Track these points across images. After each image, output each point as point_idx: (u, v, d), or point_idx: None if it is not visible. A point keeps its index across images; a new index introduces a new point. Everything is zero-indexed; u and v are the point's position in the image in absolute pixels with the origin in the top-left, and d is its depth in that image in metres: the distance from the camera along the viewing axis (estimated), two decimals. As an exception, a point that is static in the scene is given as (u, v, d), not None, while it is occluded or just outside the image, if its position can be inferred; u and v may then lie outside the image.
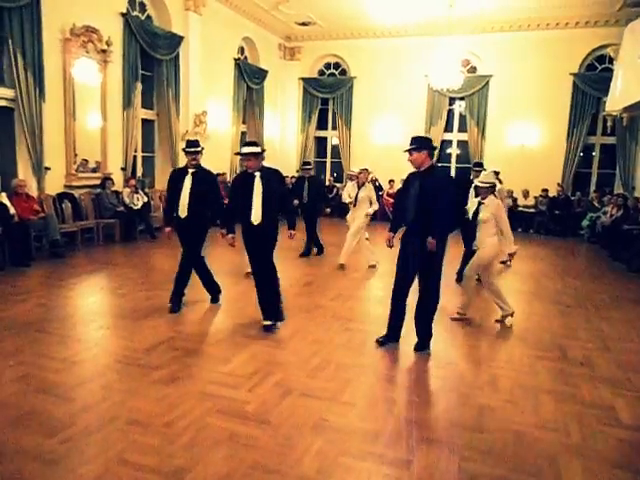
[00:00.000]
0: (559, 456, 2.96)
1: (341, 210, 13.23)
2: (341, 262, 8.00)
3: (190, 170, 5.62)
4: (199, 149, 5.66)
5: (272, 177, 4.98)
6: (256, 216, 4.83)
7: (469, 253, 6.33)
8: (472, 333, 5.19)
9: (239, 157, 4.78)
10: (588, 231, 12.21)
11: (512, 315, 5.53)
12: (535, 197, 13.39)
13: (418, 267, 4.52)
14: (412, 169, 4.63)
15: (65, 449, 2.81)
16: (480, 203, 5.53)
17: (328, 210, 14.73)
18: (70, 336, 4.60)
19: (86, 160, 9.38)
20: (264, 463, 2.78)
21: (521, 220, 13.24)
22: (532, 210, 13.24)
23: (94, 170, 9.51)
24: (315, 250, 9.09)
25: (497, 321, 5.57)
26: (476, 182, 5.98)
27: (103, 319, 5.18)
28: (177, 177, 5.68)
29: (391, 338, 4.73)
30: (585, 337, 5.16)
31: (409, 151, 4.50)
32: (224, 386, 3.69)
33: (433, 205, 4.34)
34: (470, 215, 5.62)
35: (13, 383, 3.59)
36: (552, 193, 13.25)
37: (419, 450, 2.97)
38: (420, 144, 4.47)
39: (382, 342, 4.72)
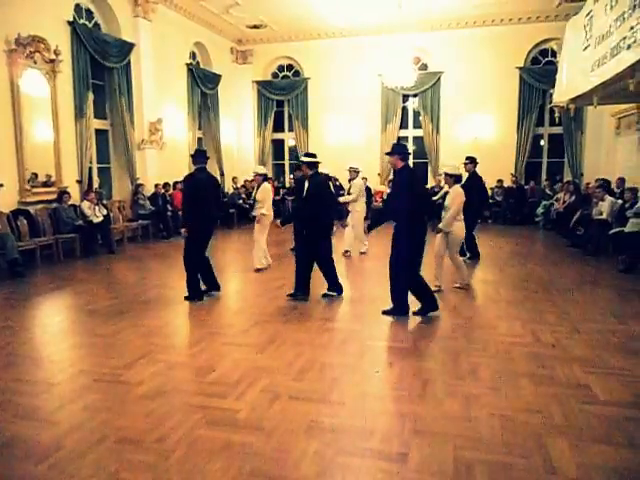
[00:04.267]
0: (545, 437, 3.08)
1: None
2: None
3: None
4: (315, 160, 6.39)
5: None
6: None
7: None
8: (446, 326, 5.31)
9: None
10: (543, 218, 12.70)
11: (467, 287, 6.74)
12: (491, 188, 13.79)
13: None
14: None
15: (56, 474, 2.72)
16: (447, 192, 6.62)
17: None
18: (43, 358, 4.45)
19: (35, 174, 9.01)
20: (264, 470, 2.77)
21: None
22: (490, 201, 13.63)
23: (46, 184, 9.16)
24: None
25: (455, 287, 6.73)
26: (443, 171, 6.97)
27: (75, 338, 5.02)
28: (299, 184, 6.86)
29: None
30: (553, 320, 5.38)
31: (388, 154, 5.57)
32: (211, 396, 3.65)
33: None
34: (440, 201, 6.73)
35: (-11, 411, 3.44)
36: (507, 183, 13.71)
37: (413, 443, 3.03)
38: (392, 149, 5.51)
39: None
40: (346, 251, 9.30)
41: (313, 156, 6.44)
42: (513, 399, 3.58)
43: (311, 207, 6.15)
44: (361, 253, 9.36)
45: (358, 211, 9.20)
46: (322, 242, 6.27)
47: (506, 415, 3.34)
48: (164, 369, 4.15)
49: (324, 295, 6.39)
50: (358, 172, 9.39)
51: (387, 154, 5.58)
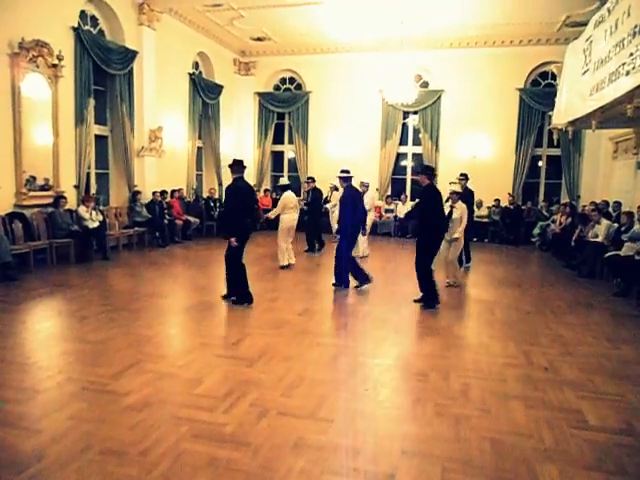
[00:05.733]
0: (535, 462, 3.04)
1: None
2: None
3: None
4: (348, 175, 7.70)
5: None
6: None
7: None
8: (439, 344, 5.28)
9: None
10: (539, 239, 12.73)
11: (459, 286, 7.93)
12: (488, 207, 13.84)
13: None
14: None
15: (36, 485, 2.68)
16: (452, 207, 7.75)
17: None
18: (31, 364, 4.39)
19: (33, 177, 8.98)
20: (248, 487, 2.73)
21: (476, 230, 13.62)
22: (486, 220, 13.68)
23: (43, 188, 9.13)
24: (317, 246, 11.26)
25: (448, 285, 7.78)
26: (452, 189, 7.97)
27: (65, 344, 4.96)
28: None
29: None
30: (546, 342, 5.35)
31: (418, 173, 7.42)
32: (199, 409, 3.60)
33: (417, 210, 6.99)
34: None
35: (-28, 417, 3.39)
36: (504, 203, 13.74)
37: (401, 464, 2.99)
38: (420, 170, 7.17)
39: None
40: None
41: (347, 172, 7.67)
42: (504, 422, 3.55)
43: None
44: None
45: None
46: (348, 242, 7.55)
47: (496, 438, 3.31)
48: (153, 379, 4.10)
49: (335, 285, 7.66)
50: (368, 186, 10.50)
51: (416, 173, 6.82)
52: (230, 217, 6.59)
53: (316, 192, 11.46)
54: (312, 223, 11.26)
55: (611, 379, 4.38)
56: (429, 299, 6.67)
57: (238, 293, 6.56)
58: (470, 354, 5.00)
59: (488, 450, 3.15)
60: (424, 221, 6.67)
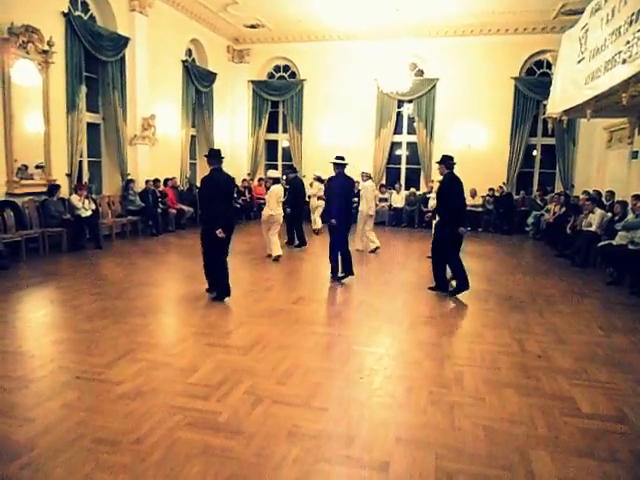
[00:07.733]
0: (528, 449, 3.06)
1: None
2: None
3: None
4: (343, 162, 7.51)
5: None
6: None
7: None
8: (433, 332, 5.29)
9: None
10: (533, 228, 12.76)
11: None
12: (482, 196, 13.84)
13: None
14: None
15: (29, 474, 2.66)
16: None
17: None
18: (23, 353, 4.36)
19: (25, 166, 8.89)
20: (241, 475, 2.72)
21: (470, 219, 13.63)
22: (480, 209, 13.69)
23: (35, 176, 9.03)
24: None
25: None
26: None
27: (57, 333, 4.93)
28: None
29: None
30: (540, 331, 5.37)
31: (438, 163, 6.94)
32: (192, 397, 3.59)
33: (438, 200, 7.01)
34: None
35: (-37, 406, 3.36)
36: (498, 192, 13.74)
37: (395, 451, 2.99)
38: (441, 160, 6.89)
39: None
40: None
41: (342, 158, 7.47)
42: (497, 409, 3.56)
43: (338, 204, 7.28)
44: (370, 251, 9.94)
45: (361, 211, 9.91)
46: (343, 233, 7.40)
47: (490, 425, 3.32)
48: (146, 368, 4.08)
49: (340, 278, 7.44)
50: (370, 177, 10.29)
51: (438, 163, 6.94)
52: (204, 210, 6.17)
53: (297, 183, 10.86)
54: (293, 216, 10.38)
55: (603, 367, 4.41)
56: (460, 284, 6.75)
57: (218, 288, 6.23)
58: (464, 342, 5.01)
59: (481, 437, 3.16)
60: (445, 210, 6.79)
